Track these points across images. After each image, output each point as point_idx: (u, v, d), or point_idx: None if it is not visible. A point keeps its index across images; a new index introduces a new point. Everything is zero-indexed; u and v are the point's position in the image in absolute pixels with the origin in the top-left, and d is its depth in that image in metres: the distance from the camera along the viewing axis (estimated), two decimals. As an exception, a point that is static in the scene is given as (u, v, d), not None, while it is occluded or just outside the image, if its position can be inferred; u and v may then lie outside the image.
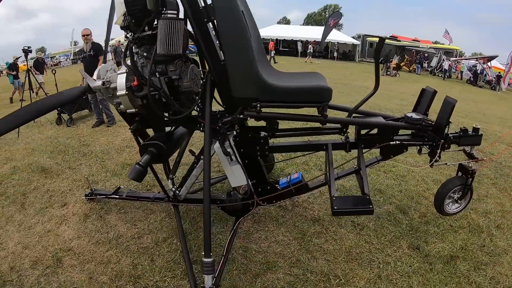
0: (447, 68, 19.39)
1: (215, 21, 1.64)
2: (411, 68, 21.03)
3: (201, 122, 1.91)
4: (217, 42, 1.72)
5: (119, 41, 15.99)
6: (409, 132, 2.12)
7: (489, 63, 17.61)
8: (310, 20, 54.89)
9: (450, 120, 1.92)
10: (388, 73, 16.93)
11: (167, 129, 2.13)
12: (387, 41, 23.99)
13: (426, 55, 23.14)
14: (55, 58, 32.55)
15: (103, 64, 1.98)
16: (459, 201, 2.20)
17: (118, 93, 1.78)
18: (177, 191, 2.21)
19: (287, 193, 2.06)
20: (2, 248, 2.22)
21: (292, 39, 26.99)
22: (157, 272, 1.95)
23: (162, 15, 1.56)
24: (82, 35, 4.97)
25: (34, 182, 3.15)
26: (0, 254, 2.16)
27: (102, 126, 5.15)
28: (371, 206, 1.73)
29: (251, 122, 2.08)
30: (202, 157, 2.02)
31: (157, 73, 1.72)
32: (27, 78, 6.34)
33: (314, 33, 25.24)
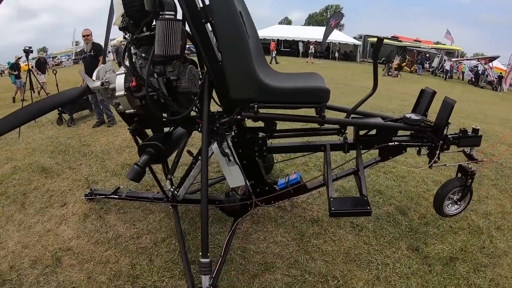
0: (448, 69, 19.31)
1: (213, 21, 1.64)
2: (412, 69, 20.98)
3: (199, 123, 1.91)
4: (215, 42, 1.72)
5: (121, 41, 16.03)
6: (408, 133, 2.11)
7: (490, 64, 17.55)
8: (312, 20, 54.86)
9: (449, 121, 1.92)
10: (390, 73, 16.90)
11: (166, 129, 2.13)
12: (388, 41, 23.93)
13: (427, 55, 23.09)
14: (56, 58, 32.72)
15: (102, 65, 1.98)
16: (459, 203, 2.19)
17: (116, 94, 1.78)
18: (175, 192, 2.21)
19: (285, 194, 2.06)
20: (2, 248, 2.23)
21: (293, 40, 27.00)
22: (155, 272, 1.95)
23: (160, 16, 1.56)
24: (83, 36, 4.98)
25: (34, 182, 3.16)
26: (0, 253, 2.17)
27: (102, 126, 5.16)
28: (368, 208, 1.72)
29: (249, 123, 2.08)
30: (200, 157, 2.02)
31: (155, 74, 1.73)
32: (28, 78, 6.37)
33: (316, 33, 25.25)
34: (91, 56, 4.89)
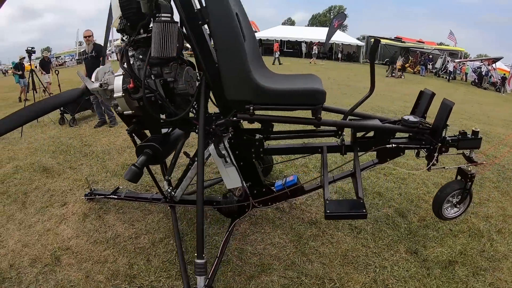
0: (451, 70, 19.19)
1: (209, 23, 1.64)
2: (415, 70, 20.86)
3: (196, 124, 1.92)
4: (212, 44, 1.73)
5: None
6: (407, 135, 2.10)
7: (494, 65, 17.41)
8: (315, 21, 54.84)
9: (448, 123, 1.90)
10: (393, 74, 16.82)
11: (164, 130, 2.14)
12: (392, 42, 23.82)
13: (430, 56, 22.92)
14: (60, 58, 33.02)
15: (101, 66, 2.00)
16: (458, 206, 2.17)
17: (115, 95, 1.80)
18: (172, 192, 2.22)
19: (282, 195, 2.06)
20: (2, 246, 2.25)
21: (296, 40, 26.97)
22: (153, 272, 1.96)
23: (156, 18, 1.57)
24: (84, 37, 5.02)
25: (35, 182, 3.19)
26: (0, 252, 2.19)
27: (104, 127, 5.20)
28: (364, 210, 1.71)
29: (246, 125, 2.09)
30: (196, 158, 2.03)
31: (152, 76, 1.74)
32: (30, 78, 6.44)
33: (319, 34, 25.22)
34: (93, 57, 4.93)
